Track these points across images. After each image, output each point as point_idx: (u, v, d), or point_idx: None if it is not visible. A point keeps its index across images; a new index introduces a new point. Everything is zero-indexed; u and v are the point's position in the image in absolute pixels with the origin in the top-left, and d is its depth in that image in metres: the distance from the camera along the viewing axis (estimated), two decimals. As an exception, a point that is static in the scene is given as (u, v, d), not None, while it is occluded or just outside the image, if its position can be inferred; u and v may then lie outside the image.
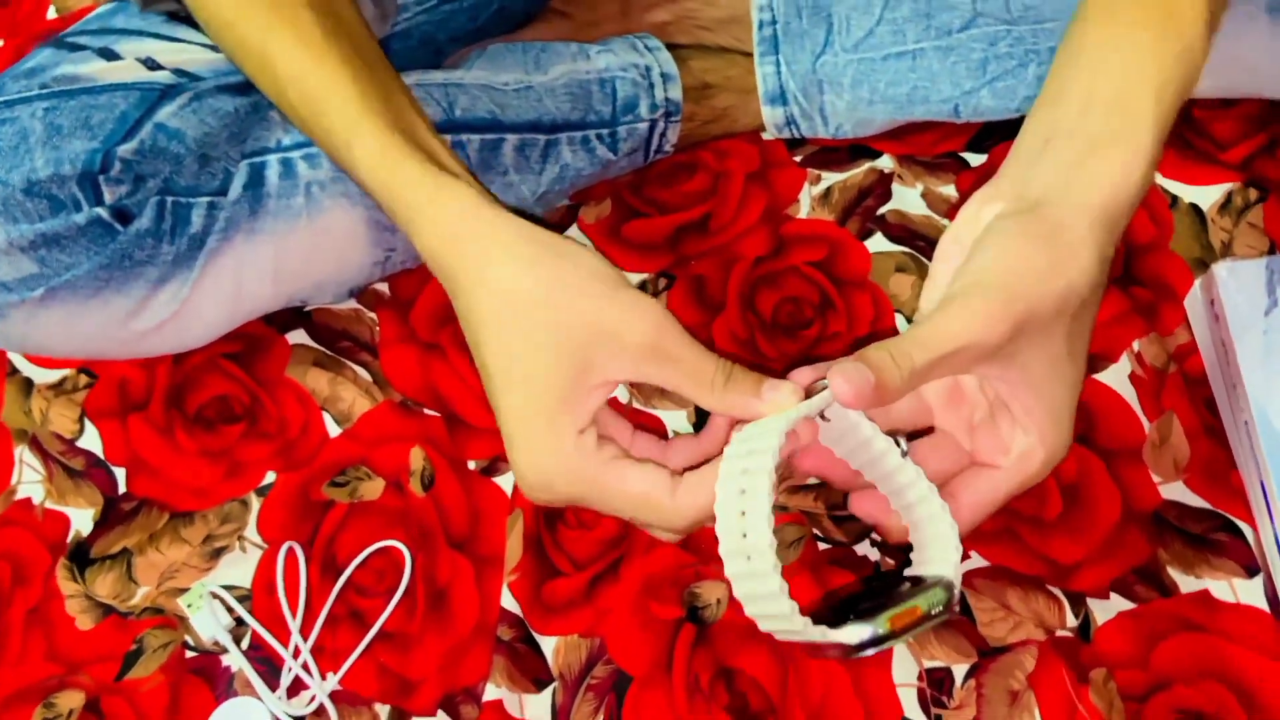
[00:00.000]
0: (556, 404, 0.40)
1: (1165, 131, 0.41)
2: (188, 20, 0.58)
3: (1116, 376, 0.57)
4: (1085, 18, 0.43)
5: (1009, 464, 0.42)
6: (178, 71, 0.55)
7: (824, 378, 0.41)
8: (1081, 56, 0.42)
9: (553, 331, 0.40)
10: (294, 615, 0.54)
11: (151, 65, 0.55)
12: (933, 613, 0.40)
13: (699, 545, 0.55)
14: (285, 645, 0.53)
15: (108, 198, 0.52)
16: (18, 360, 0.64)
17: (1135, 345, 0.58)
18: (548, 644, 0.53)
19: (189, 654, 0.54)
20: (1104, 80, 0.41)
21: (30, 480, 0.60)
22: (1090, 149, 0.40)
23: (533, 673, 0.53)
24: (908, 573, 0.44)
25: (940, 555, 0.43)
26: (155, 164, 0.53)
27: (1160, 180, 0.63)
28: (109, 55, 0.55)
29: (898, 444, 0.44)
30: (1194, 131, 0.64)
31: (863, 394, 0.37)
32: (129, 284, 0.54)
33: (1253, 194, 0.62)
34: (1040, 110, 0.43)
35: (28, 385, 0.63)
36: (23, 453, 0.61)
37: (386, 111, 0.45)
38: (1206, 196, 0.62)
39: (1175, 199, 0.63)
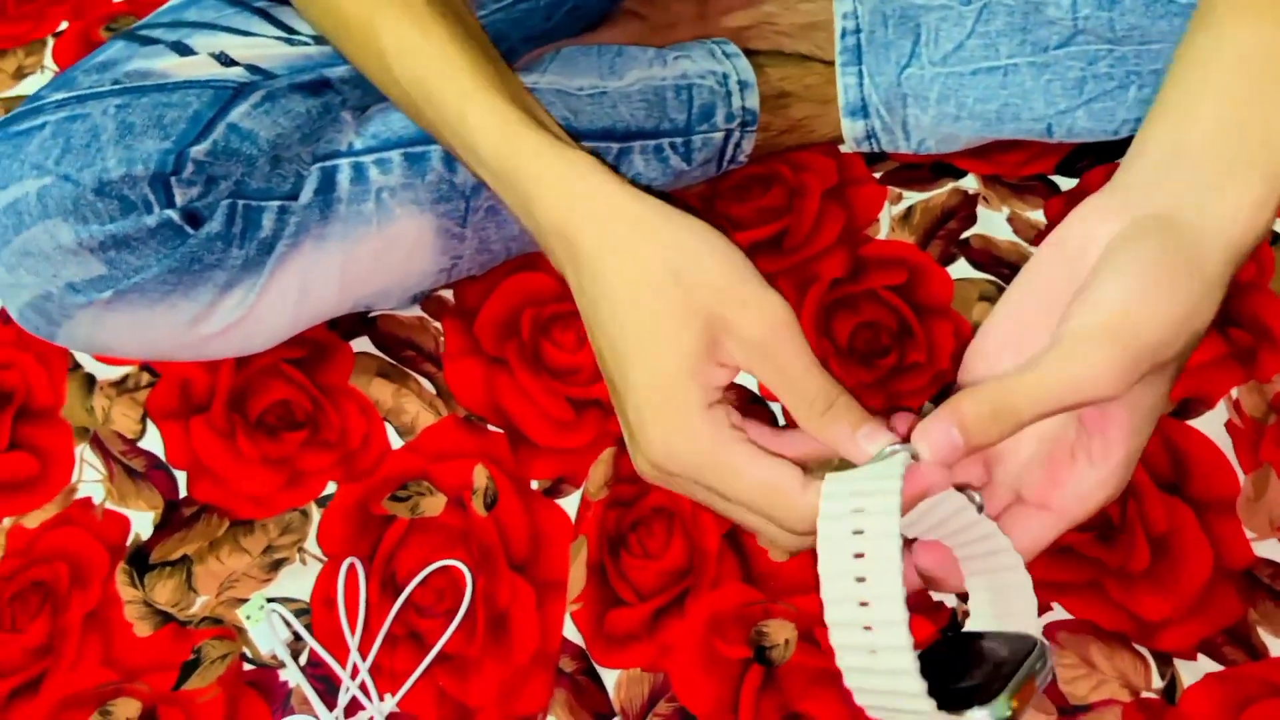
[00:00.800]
0: (687, 374, 0.38)
1: None
2: (261, 13, 0.57)
3: (1212, 424, 0.55)
4: (1218, 13, 0.38)
5: (1065, 504, 0.38)
6: (251, 68, 0.54)
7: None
8: (1216, 62, 0.37)
9: (682, 305, 0.38)
10: (353, 633, 0.53)
11: (225, 61, 0.54)
12: (1040, 681, 0.37)
13: (767, 582, 0.54)
14: (344, 663, 0.52)
15: (179, 199, 0.51)
16: (80, 355, 0.64)
17: (1234, 392, 0.55)
18: (609, 676, 0.52)
19: (247, 666, 0.53)
20: (1245, 93, 0.36)
21: (91, 479, 0.60)
22: (1229, 173, 0.36)
23: (593, 707, 0.51)
24: (983, 627, 0.42)
25: (1023, 609, 0.40)
26: (227, 165, 0.52)
27: (1263, 214, 0.60)
28: (183, 50, 0.54)
29: (971, 499, 0.41)
30: None
31: (947, 459, 0.35)
32: (197, 288, 0.53)
33: (1364, 234, 0.59)
34: (1165, 119, 0.38)
35: (90, 382, 0.63)
36: (83, 451, 0.60)
37: (501, 84, 0.43)
38: None
39: (1276, 235, 0.60)
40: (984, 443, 0.35)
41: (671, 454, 0.39)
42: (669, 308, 0.38)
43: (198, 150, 0.51)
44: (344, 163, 0.55)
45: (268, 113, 0.53)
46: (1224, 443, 0.54)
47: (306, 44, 0.55)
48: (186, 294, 0.53)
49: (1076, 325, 0.35)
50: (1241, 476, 0.53)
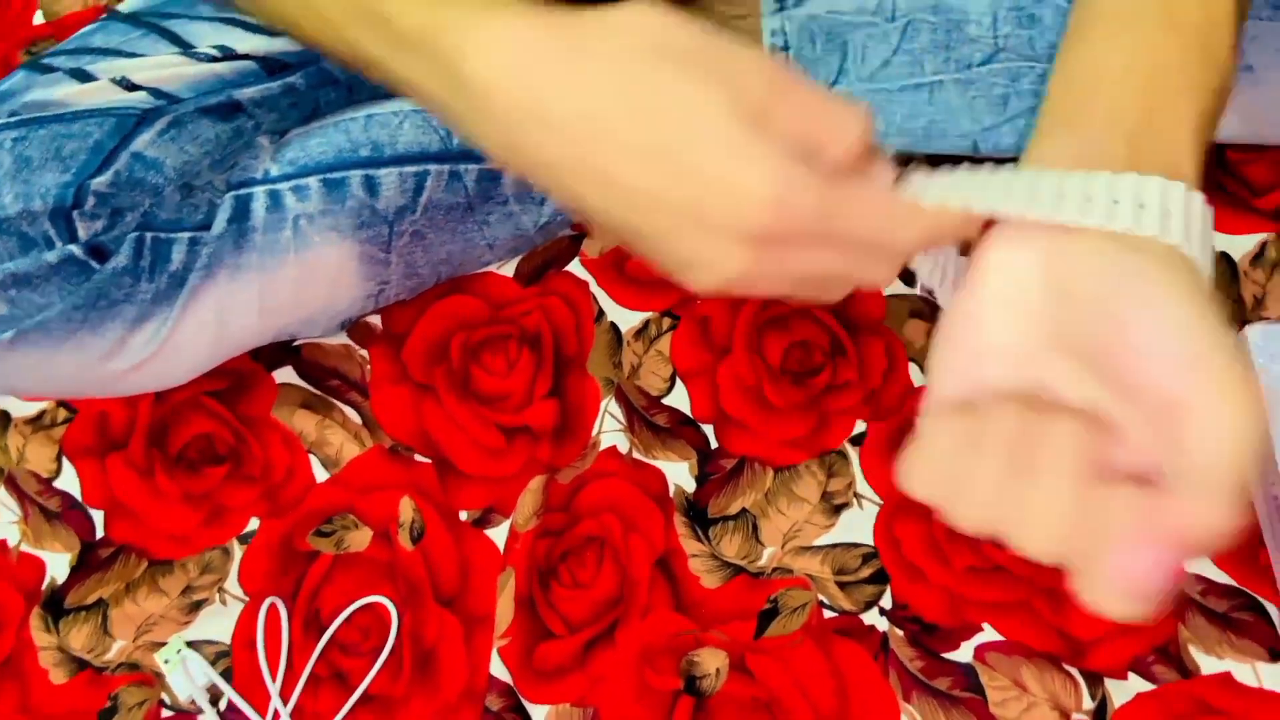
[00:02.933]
0: (747, 125, 0.33)
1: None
2: (166, 33, 0.55)
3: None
4: (1100, 25, 0.36)
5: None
6: (155, 92, 0.52)
7: None
8: (1104, 76, 0.35)
9: (686, 76, 0.33)
10: (274, 677, 0.51)
11: (127, 85, 0.52)
12: None
13: (698, 610, 0.53)
14: (266, 706, 0.51)
15: (82, 234, 0.49)
16: (-7, 391, 0.62)
17: (1161, 407, 0.55)
18: (538, 713, 0.51)
19: (166, 714, 0.52)
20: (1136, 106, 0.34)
21: (5, 520, 0.58)
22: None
23: (522, 743, 0.50)
24: None
25: None
26: (133, 196, 0.50)
27: (1190, 226, 0.60)
28: (82, 77, 0.52)
29: None
30: (1228, 175, 0.62)
31: None
32: (105, 324, 0.51)
33: (1288, 246, 0.59)
34: (1051, 135, 0.35)
35: (4, 419, 0.61)
36: (-4, 491, 0.59)
37: None
38: (1239, 247, 0.59)
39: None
40: None
41: (787, 201, 0.33)
42: (680, 82, 0.33)
43: (99, 182, 0.49)
44: (259, 190, 0.54)
45: (174, 139, 0.52)
46: (1152, 458, 0.54)
47: (212, 60, 0.54)
48: (94, 331, 0.51)
49: None
50: (1170, 491, 0.53)
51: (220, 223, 0.53)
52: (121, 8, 0.59)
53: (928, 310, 0.61)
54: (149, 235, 0.51)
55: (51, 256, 0.49)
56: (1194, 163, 0.34)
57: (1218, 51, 0.35)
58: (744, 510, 0.56)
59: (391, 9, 0.38)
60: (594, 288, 0.62)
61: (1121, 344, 0.31)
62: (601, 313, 0.62)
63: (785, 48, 0.65)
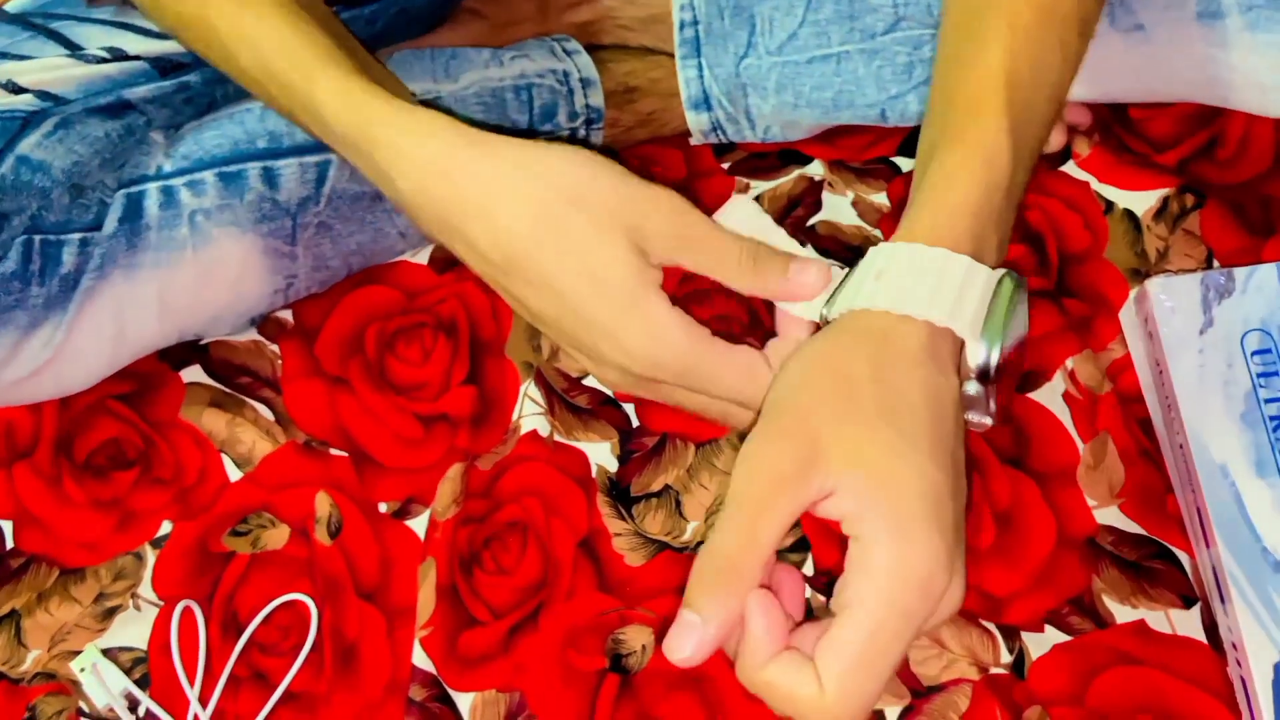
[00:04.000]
0: (639, 284, 0.39)
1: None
2: (54, 34, 0.54)
3: (1050, 395, 0.56)
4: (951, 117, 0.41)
5: (855, 583, 0.33)
6: (41, 94, 0.51)
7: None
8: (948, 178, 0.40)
9: (592, 225, 0.39)
10: (191, 682, 0.51)
11: (13, 89, 0.51)
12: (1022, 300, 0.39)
13: (623, 588, 0.53)
14: (186, 710, 0.50)
15: (-34, 241, 0.48)
16: (-109, 405, 0.60)
17: (1069, 363, 0.56)
18: (464, 700, 0.50)
19: (82, 723, 0.51)
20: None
21: (-93, 537, 0.56)
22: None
23: (448, 732, 0.50)
24: None
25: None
26: (19, 200, 0.49)
27: (1095, 185, 0.61)
28: (-35, 81, 0.51)
29: None
30: (1129, 132, 0.62)
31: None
32: (-4, 332, 0.50)
33: (1189, 199, 0.60)
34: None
35: (-98, 433, 0.59)
36: (-102, 508, 0.57)
37: (343, 58, 0.43)
38: (1142, 202, 0.60)
39: (1110, 204, 0.61)
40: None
41: (657, 362, 0.39)
42: (588, 234, 0.39)
43: (-18, 186, 0.48)
44: (151, 187, 0.53)
45: (62, 140, 0.50)
46: (1062, 413, 0.55)
47: (102, 61, 0.53)
48: (-16, 338, 0.50)
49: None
50: (1081, 445, 0.54)
51: (111, 222, 0.51)
52: (8, 8, 0.57)
53: (842, 279, 0.61)
54: (37, 238, 0.50)
55: (-66, 264, 0.47)
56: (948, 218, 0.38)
57: (984, 112, 0.40)
58: (667, 487, 0.55)
59: (324, 103, 0.42)
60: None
61: None
62: (518, 297, 0.61)
63: (695, 22, 0.64)
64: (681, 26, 0.65)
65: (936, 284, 0.37)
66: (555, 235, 0.39)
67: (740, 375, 0.40)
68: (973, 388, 0.38)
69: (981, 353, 0.37)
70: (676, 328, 0.39)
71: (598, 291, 0.39)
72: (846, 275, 0.40)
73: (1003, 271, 0.39)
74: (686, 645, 0.33)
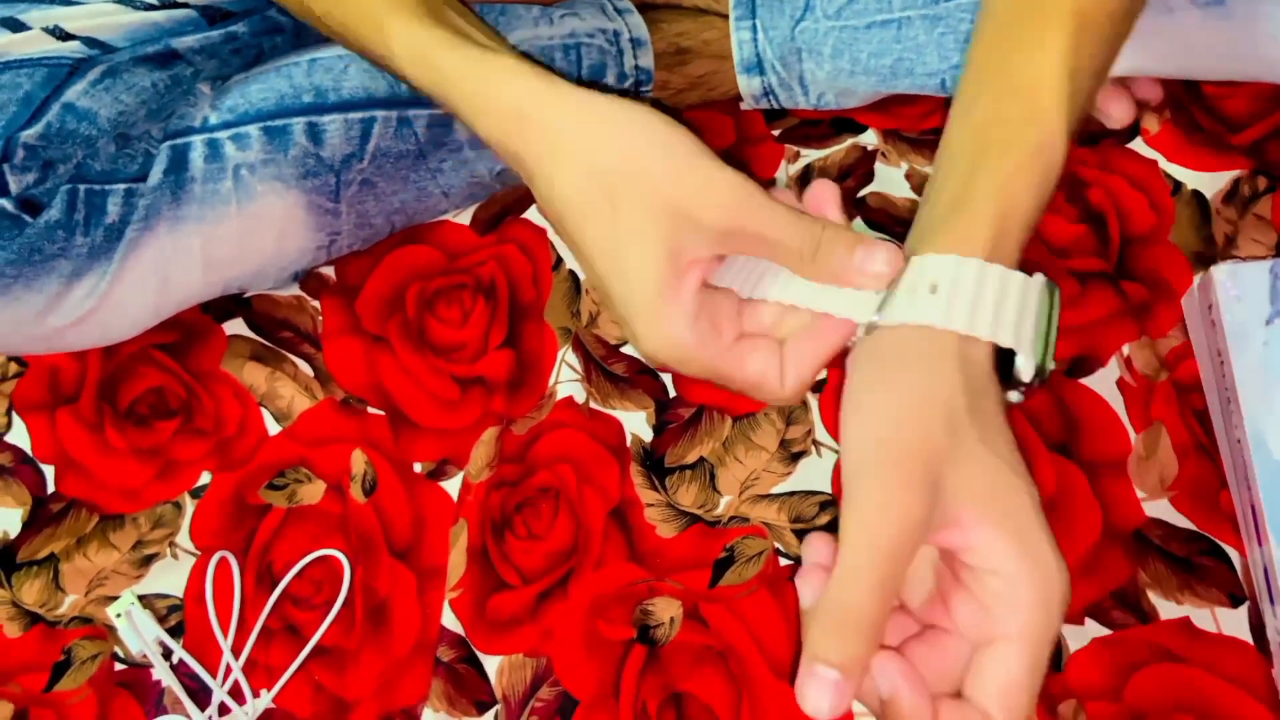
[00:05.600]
0: (660, 297, 0.39)
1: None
2: None
3: (1103, 382, 0.54)
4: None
5: (1005, 617, 0.34)
6: (89, 41, 0.51)
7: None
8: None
9: (638, 213, 0.39)
10: (225, 632, 0.51)
11: (60, 35, 0.51)
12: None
13: (653, 559, 0.52)
14: (219, 659, 0.51)
15: (13, 187, 0.48)
16: (-57, 347, 0.61)
17: (1125, 349, 0.54)
18: (491, 663, 0.51)
19: (118, 666, 0.52)
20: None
21: (-44, 477, 0.58)
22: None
23: (474, 694, 0.50)
24: None
25: None
26: (65, 148, 0.49)
27: (1163, 164, 0.59)
28: (14, 26, 0.51)
29: None
30: (1202, 110, 0.60)
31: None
32: (40, 279, 0.50)
33: (1261, 183, 0.57)
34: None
35: (-48, 375, 0.60)
36: (-53, 448, 0.58)
37: (416, 3, 0.43)
38: (1212, 184, 0.58)
39: (1178, 185, 0.58)
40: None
41: (666, 362, 0.40)
42: (629, 221, 0.39)
43: (29, 134, 0.48)
44: (197, 139, 0.52)
45: (108, 89, 0.50)
46: (1115, 401, 0.53)
47: (150, 8, 0.52)
48: (29, 286, 0.50)
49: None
50: (1133, 435, 0.52)
51: (156, 174, 0.51)
52: (58, -49, 0.57)
53: (891, 254, 0.59)
54: (82, 187, 0.50)
55: (-19, 210, 0.48)
56: (992, 227, 0.37)
57: (1039, 110, 0.38)
58: (701, 459, 0.55)
59: (397, 54, 0.43)
60: (552, 235, 0.61)
61: None
62: (560, 260, 0.60)
63: (750, -17, 0.63)
64: (737, -10, 0.63)
65: (999, 302, 0.36)
66: (601, 214, 0.39)
67: (751, 379, 0.40)
68: (1015, 397, 0.38)
69: (1032, 368, 0.37)
70: (688, 333, 0.39)
71: (623, 285, 0.39)
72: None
73: (1045, 281, 0.38)
74: (825, 701, 0.32)
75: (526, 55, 0.43)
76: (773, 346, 0.41)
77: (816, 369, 0.40)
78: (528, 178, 0.41)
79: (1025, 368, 0.37)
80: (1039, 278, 0.38)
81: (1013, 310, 0.36)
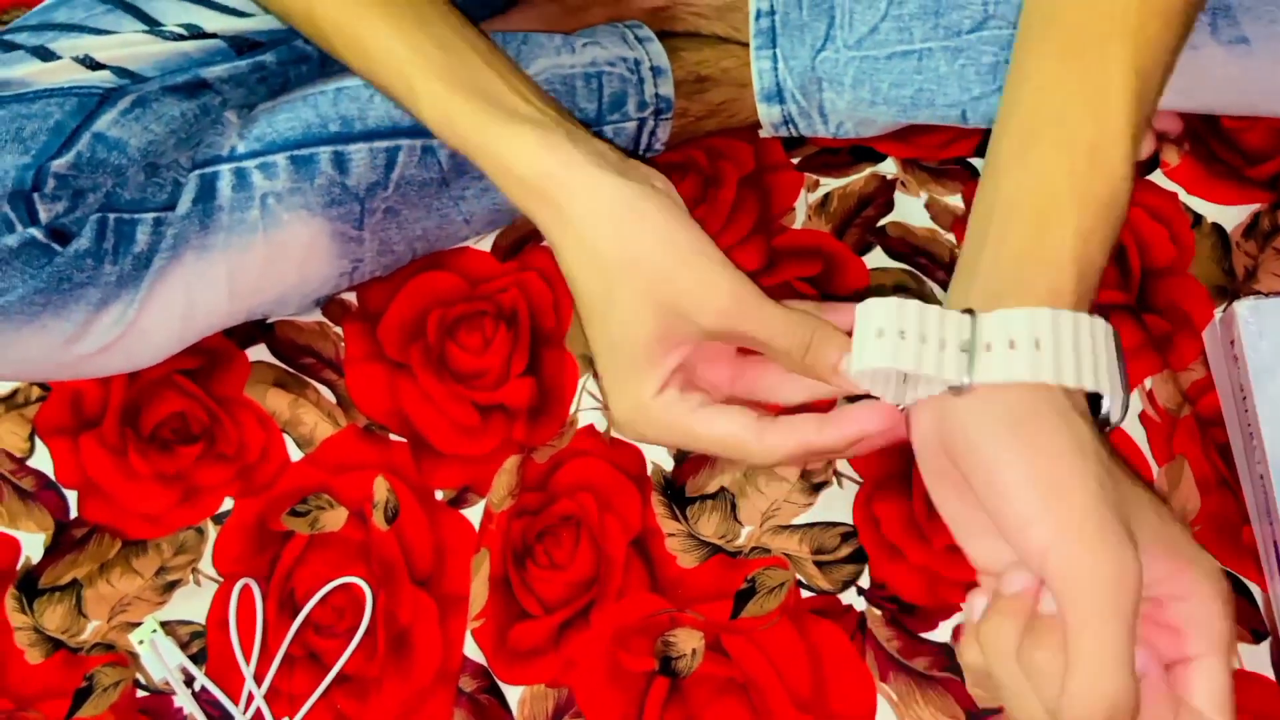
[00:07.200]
0: (640, 365, 0.42)
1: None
2: (132, 9, 0.54)
3: (1127, 416, 0.54)
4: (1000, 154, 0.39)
5: (1199, 636, 0.35)
6: (119, 71, 0.51)
7: None
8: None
9: (633, 304, 0.41)
10: (248, 658, 0.51)
11: (91, 64, 0.51)
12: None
13: (675, 590, 0.52)
14: (241, 687, 0.51)
15: (43, 216, 0.48)
16: (-33, 370, 0.61)
17: (1148, 383, 0.54)
18: (513, 694, 0.51)
19: (140, 693, 0.52)
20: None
21: (-21, 501, 0.58)
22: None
23: (496, 724, 0.50)
24: None
25: None
26: (95, 178, 0.49)
27: (1183, 196, 0.59)
28: (45, 55, 0.51)
29: None
30: (1221, 143, 0.60)
31: None
32: (68, 307, 0.50)
33: (1282, 216, 0.57)
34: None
35: (-24, 399, 0.61)
36: (-29, 472, 0.58)
37: (441, 59, 0.45)
38: (1232, 217, 0.58)
39: (1198, 218, 0.58)
40: None
41: (636, 430, 0.43)
42: (623, 299, 0.41)
43: (60, 164, 0.48)
44: (225, 169, 0.53)
45: (138, 119, 0.50)
46: (1138, 435, 0.53)
47: (179, 39, 0.53)
48: (57, 314, 0.50)
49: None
50: (1155, 469, 0.53)
51: (185, 203, 0.52)
52: (87, -21, 0.57)
53: (912, 283, 0.59)
54: (112, 216, 0.50)
55: (11, 240, 0.48)
56: (1075, 280, 0.36)
57: (1108, 164, 0.37)
58: (722, 489, 0.55)
59: (428, 119, 0.44)
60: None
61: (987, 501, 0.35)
62: (580, 288, 0.60)
63: (771, 11, 0.63)
64: (758, 15, 0.63)
65: (1094, 352, 0.36)
66: (598, 295, 0.42)
67: (720, 446, 0.42)
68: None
69: (1119, 410, 0.37)
70: (658, 409, 0.42)
71: (610, 353, 0.42)
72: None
73: (1104, 321, 0.38)
74: None
75: (549, 96, 0.45)
76: (748, 410, 0.42)
77: (811, 446, 0.41)
78: (541, 229, 0.44)
79: (1115, 410, 0.37)
80: (1103, 321, 0.38)
81: (1103, 357, 0.36)
